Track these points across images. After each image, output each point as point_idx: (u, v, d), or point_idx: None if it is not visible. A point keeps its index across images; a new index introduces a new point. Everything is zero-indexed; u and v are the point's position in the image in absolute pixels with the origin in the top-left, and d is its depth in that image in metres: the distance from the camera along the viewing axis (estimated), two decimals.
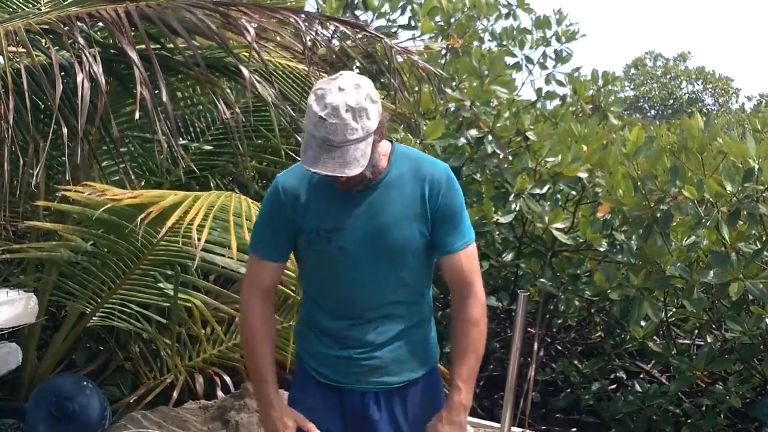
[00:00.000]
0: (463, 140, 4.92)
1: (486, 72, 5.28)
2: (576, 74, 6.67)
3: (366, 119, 2.08)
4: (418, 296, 2.34)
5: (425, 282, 2.37)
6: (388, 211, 2.23)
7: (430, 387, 2.41)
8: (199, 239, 3.31)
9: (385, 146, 2.26)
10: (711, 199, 3.87)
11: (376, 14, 6.10)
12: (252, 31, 3.67)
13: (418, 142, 4.77)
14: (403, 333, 2.31)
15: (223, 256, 3.82)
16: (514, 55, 6.51)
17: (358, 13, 6.24)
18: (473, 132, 4.96)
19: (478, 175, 5.02)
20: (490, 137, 4.91)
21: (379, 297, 2.26)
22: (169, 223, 3.39)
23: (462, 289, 2.30)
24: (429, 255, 2.32)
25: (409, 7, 6.18)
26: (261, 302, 2.32)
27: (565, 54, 6.61)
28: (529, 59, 6.61)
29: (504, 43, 6.50)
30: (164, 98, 3.55)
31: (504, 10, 6.65)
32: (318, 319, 2.34)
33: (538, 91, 6.43)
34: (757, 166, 3.79)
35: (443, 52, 5.92)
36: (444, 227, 2.26)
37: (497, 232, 4.86)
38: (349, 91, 2.07)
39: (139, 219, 3.34)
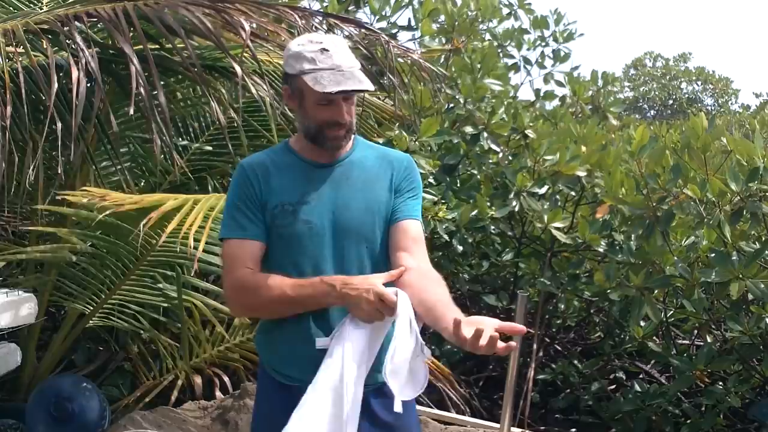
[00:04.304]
0: (457, 138, 4.92)
1: (478, 66, 5.28)
2: (575, 74, 6.68)
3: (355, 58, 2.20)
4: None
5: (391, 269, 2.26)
6: (351, 185, 2.24)
7: None
8: (198, 241, 3.32)
9: None
10: (713, 199, 3.87)
11: (377, 16, 6.11)
12: (247, 28, 3.66)
13: (413, 140, 4.77)
14: None
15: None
16: (512, 57, 6.52)
17: (358, 15, 6.26)
18: (468, 129, 4.96)
19: (476, 171, 5.03)
20: (485, 134, 4.91)
21: (348, 275, 2.17)
22: (170, 228, 3.42)
23: (417, 253, 2.20)
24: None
25: (410, 8, 6.20)
26: (254, 270, 2.16)
27: (563, 53, 6.61)
28: (527, 60, 6.61)
29: (504, 44, 6.51)
30: (161, 99, 3.55)
31: (506, 10, 6.66)
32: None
33: (537, 91, 6.43)
34: (762, 165, 3.78)
35: (444, 55, 5.92)
36: (401, 197, 2.27)
37: (493, 228, 4.87)
38: (336, 36, 2.28)
39: (141, 225, 3.37)
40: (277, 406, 2.22)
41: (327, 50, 2.12)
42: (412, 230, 2.25)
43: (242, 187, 2.23)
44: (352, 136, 2.30)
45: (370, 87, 2.15)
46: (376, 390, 2.21)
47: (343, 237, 2.20)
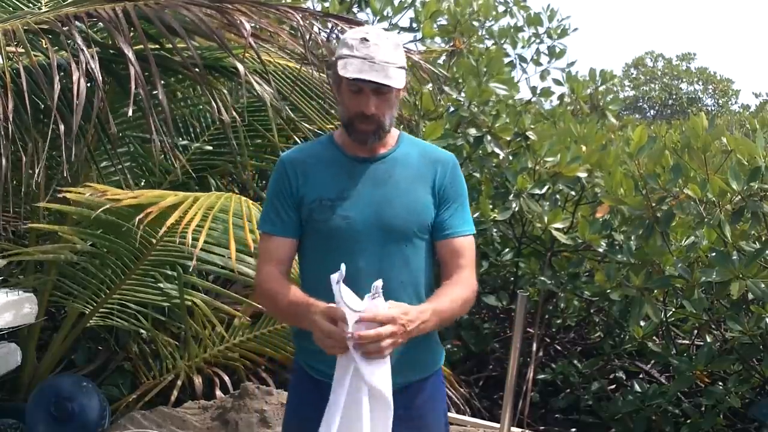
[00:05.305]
0: (461, 140, 4.92)
1: (485, 70, 5.28)
2: (571, 70, 6.66)
3: (401, 56, 2.17)
4: (422, 285, 2.25)
5: (428, 271, 2.29)
6: (394, 182, 2.23)
7: (433, 391, 2.34)
8: (196, 239, 3.32)
9: (393, 131, 2.31)
10: (713, 198, 3.87)
11: (378, 17, 6.10)
12: (248, 26, 3.67)
13: None
14: None
15: (222, 255, 3.82)
16: (507, 55, 6.51)
17: (360, 16, 6.26)
18: (472, 131, 4.96)
19: (478, 173, 5.03)
20: (488, 137, 4.91)
21: (383, 273, 2.14)
22: (168, 223, 3.41)
23: (459, 271, 2.24)
24: (431, 241, 2.28)
25: (411, 10, 6.20)
26: (276, 271, 2.21)
27: (558, 50, 6.61)
28: (522, 58, 6.61)
29: (500, 42, 6.50)
30: (160, 96, 3.56)
31: (501, 8, 6.65)
32: None
33: (533, 89, 6.42)
34: (763, 165, 3.78)
35: (445, 54, 5.92)
36: (449, 209, 2.26)
37: (495, 230, 4.87)
38: (388, 32, 2.23)
39: (137, 219, 3.38)
40: (306, 398, 2.28)
41: (367, 40, 2.13)
42: (464, 248, 2.26)
43: (278, 181, 2.27)
44: (397, 133, 2.31)
45: (395, 84, 2.13)
46: (396, 391, 2.13)
47: (383, 234, 2.20)
